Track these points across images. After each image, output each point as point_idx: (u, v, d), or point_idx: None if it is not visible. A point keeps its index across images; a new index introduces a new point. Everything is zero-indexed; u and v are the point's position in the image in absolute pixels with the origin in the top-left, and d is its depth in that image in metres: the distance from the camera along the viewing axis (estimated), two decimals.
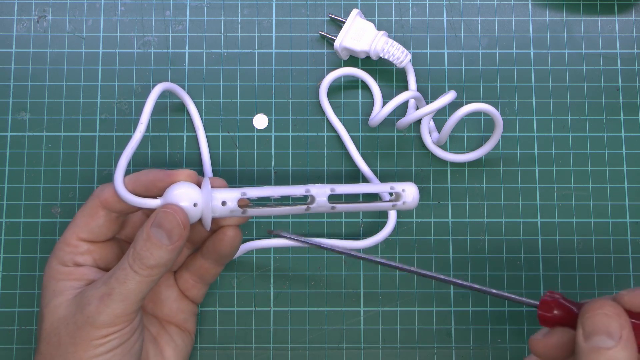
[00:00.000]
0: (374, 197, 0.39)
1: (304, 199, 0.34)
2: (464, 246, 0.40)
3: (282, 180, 0.41)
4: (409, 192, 0.34)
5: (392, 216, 0.40)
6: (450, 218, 0.41)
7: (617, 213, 0.41)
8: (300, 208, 0.34)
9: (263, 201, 0.36)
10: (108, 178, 0.41)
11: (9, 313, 0.40)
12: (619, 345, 0.27)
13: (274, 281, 0.40)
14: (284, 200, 0.38)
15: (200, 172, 0.41)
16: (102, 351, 0.31)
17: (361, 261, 0.40)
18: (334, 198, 0.35)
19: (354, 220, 0.41)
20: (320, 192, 0.34)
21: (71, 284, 0.32)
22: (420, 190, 0.41)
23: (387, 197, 0.37)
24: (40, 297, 0.33)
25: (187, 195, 0.32)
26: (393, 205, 0.35)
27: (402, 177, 0.41)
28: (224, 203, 0.32)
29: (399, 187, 0.35)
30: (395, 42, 0.39)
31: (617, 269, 0.40)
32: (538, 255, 0.40)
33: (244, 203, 0.33)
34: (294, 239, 0.34)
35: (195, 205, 0.32)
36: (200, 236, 0.36)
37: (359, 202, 0.35)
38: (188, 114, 0.41)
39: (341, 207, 0.34)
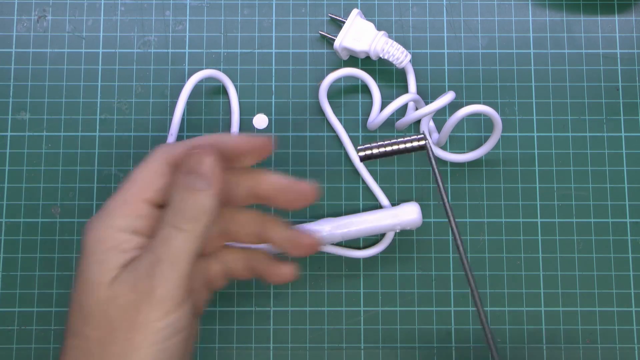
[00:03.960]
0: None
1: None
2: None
3: None
4: (412, 224, 0.38)
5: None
6: None
7: (617, 213, 0.41)
8: None
9: None
10: (108, 178, 0.41)
11: (9, 313, 0.40)
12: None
13: None
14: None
15: None
16: (164, 337, 0.27)
17: (361, 261, 0.40)
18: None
19: None
20: (331, 237, 0.38)
21: (123, 256, 0.28)
22: (420, 190, 0.41)
23: (388, 204, 0.41)
24: (79, 266, 0.28)
25: None
26: (398, 228, 0.38)
27: (402, 177, 0.41)
28: None
29: (402, 214, 0.38)
30: (395, 42, 0.39)
31: (617, 269, 0.40)
32: (538, 255, 0.40)
33: None
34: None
35: None
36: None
37: (367, 228, 0.38)
38: (228, 97, 0.41)
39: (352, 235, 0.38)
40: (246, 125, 0.41)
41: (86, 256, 0.28)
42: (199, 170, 0.28)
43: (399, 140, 0.32)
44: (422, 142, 0.32)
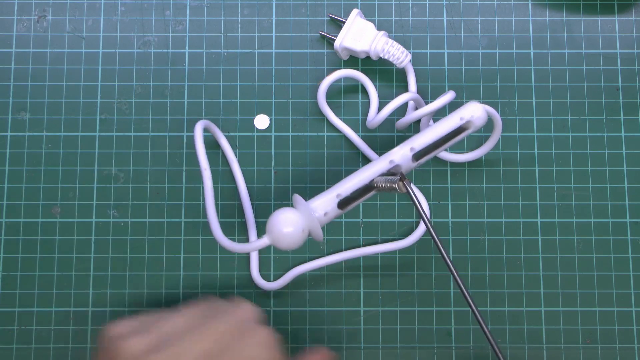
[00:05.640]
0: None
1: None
2: (464, 246, 0.40)
3: (282, 180, 0.41)
4: (477, 116, 0.34)
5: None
6: (450, 218, 0.41)
7: (617, 213, 0.41)
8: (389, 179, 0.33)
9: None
10: (108, 178, 0.41)
11: (9, 313, 0.40)
12: None
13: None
14: None
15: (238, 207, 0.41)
16: None
17: (361, 261, 0.40)
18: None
19: (354, 220, 0.41)
20: (403, 158, 0.34)
21: None
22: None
23: (456, 122, 0.35)
24: None
25: (290, 221, 0.32)
26: (466, 133, 0.35)
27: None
28: (326, 214, 0.33)
29: (466, 113, 0.34)
30: (395, 42, 0.39)
31: (617, 269, 0.40)
32: (538, 255, 0.40)
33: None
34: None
35: (302, 230, 0.32)
36: None
37: (437, 149, 0.34)
38: (221, 148, 0.41)
39: (424, 159, 0.34)
40: (246, 125, 0.41)
41: None
42: None
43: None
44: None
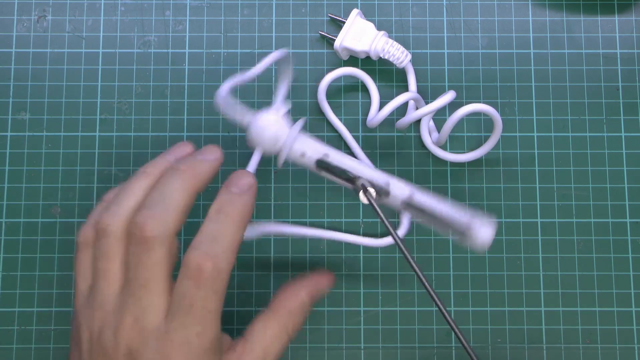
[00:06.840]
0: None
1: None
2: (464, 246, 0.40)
3: (282, 180, 0.41)
4: (481, 239, 0.32)
5: (406, 217, 0.40)
6: None
7: (617, 213, 0.41)
8: (371, 191, 0.33)
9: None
10: (108, 178, 0.41)
11: (9, 313, 0.40)
12: None
13: (274, 281, 0.40)
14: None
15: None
16: None
17: (361, 261, 0.40)
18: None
19: (354, 220, 0.41)
20: (398, 193, 0.33)
21: None
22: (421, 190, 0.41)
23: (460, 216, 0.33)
24: None
25: (272, 130, 0.32)
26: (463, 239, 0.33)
27: (402, 177, 0.41)
28: (302, 155, 0.32)
29: (475, 227, 0.32)
30: (395, 42, 0.39)
31: (617, 269, 0.40)
32: (538, 255, 0.40)
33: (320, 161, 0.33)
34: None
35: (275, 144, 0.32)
36: None
37: (426, 217, 0.33)
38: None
39: (409, 212, 0.33)
40: None
41: None
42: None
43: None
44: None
